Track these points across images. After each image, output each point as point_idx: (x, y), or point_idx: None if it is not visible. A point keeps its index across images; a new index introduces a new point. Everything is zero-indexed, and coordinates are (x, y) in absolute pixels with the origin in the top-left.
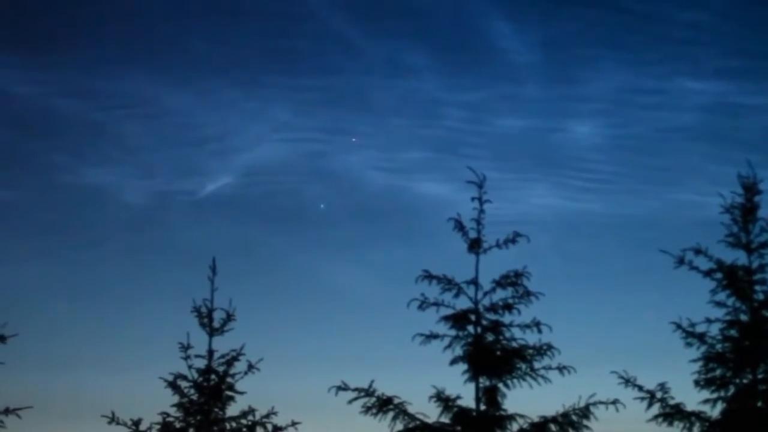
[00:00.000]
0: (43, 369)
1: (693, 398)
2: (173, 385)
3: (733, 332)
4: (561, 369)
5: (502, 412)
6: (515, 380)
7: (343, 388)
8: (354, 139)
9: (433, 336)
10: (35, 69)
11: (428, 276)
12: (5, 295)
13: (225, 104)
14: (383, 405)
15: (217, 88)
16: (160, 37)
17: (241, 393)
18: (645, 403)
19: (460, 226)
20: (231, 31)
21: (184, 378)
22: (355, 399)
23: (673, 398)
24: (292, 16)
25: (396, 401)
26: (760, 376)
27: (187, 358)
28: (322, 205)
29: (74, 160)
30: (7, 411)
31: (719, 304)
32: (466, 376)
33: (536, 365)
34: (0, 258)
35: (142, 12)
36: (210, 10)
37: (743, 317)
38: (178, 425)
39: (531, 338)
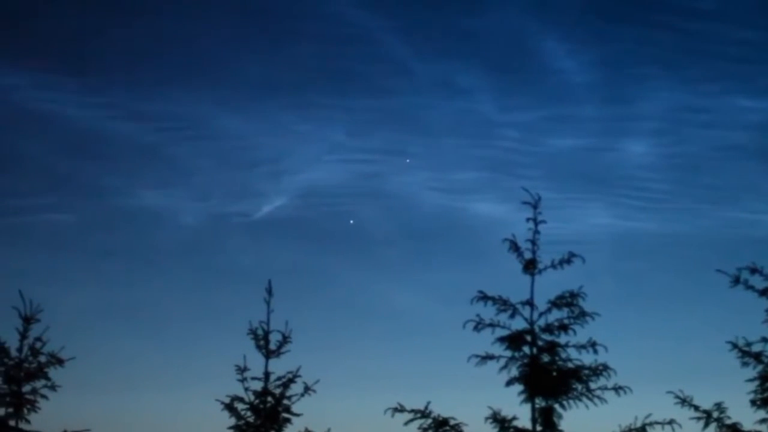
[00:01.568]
0: (100, 392)
1: (749, 418)
2: (230, 408)
3: None
4: (617, 389)
5: None
6: (571, 401)
7: (399, 409)
8: (408, 160)
9: (488, 357)
10: (90, 92)
11: (483, 297)
12: (62, 319)
13: (279, 126)
14: (439, 426)
15: (272, 110)
16: (214, 60)
17: (298, 415)
18: (701, 423)
19: (515, 247)
20: (285, 53)
21: (241, 400)
22: (412, 420)
23: (729, 418)
24: (345, 38)
25: (452, 423)
26: None
27: (243, 380)
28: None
29: (129, 182)
30: None
31: None
32: (522, 397)
33: (592, 386)
34: (56, 281)
35: (196, 35)
36: (264, 32)
37: None
38: None
39: (587, 359)
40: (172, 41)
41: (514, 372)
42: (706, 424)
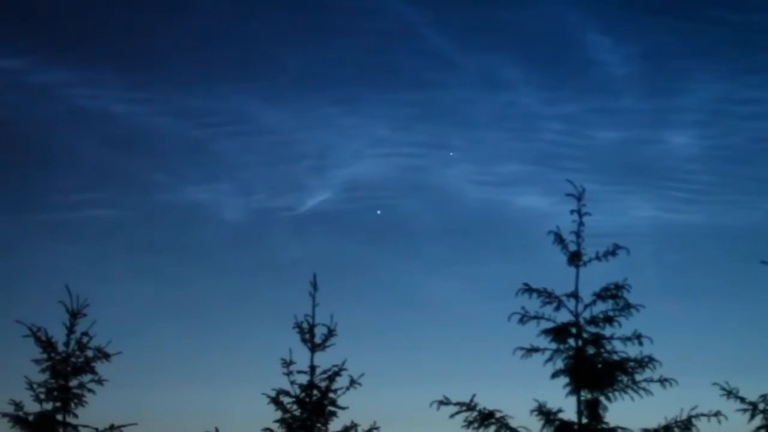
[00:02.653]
0: (146, 386)
1: None
2: (276, 401)
3: None
4: (662, 381)
5: (604, 425)
6: (617, 393)
7: (444, 402)
8: (451, 153)
9: (533, 349)
10: (134, 89)
11: (528, 289)
12: (109, 313)
13: (323, 120)
14: (485, 419)
15: (315, 104)
16: (257, 55)
17: (344, 408)
18: (747, 415)
19: (559, 239)
20: (328, 48)
21: (287, 394)
22: (457, 413)
23: None
24: (388, 32)
25: (498, 415)
26: None
27: (289, 374)
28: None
29: (174, 178)
30: (112, 428)
31: None
32: (568, 389)
33: (638, 378)
34: (103, 276)
35: (239, 31)
36: (308, 27)
37: None
38: None
39: (632, 351)
40: (216, 37)
41: (560, 364)
42: (752, 416)
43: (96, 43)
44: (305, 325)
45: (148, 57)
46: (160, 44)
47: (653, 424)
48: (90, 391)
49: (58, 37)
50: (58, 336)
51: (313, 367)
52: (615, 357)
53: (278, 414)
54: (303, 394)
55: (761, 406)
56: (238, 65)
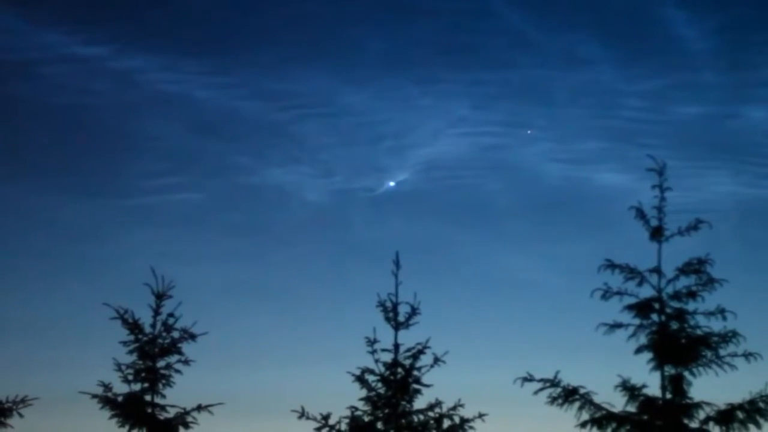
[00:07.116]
0: (233, 366)
1: None
2: (361, 380)
3: None
4: (747, 356)
5: (689, 400)
6: (701, 368)
7: (528, 379)
8: (529, 131)
9: (617, 325)
10: (217, 73)
11: (611, 265)
12: (194, 295)
13: (402, 101)
14: (569, 395)
15: (395, 85)
16: (337, 37)
17: (428, 386)
18: None
19: (641, 215)
20: (407, 29)
21: (371, 372)
22: (541, 390)
23: None
24: (467, 11)
25: (581, 391)
26: None
27: (373, 352)
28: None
29: (256, 160)
30: (199, 407)
31: None
32: (651, 364)
33: (722, 352)
34: (187, 258)
35: (318, 14)
36: (386, 9)
37: None
38: (366, 419)
39: (716, 325)
40: (297, 20)
41: (643, 340)
42: None
43: (178, 29)
44: (389, 304)
45: (229, 41)
46: (241, 28)
47: (738, 399)
48: (177, 371)
49: (141, 24)
50: (145, 318)
51: (397, 346)
52: (699, 332)
53: (363, 392)
54: (387, 372)
55: None
56: (318, 48)
